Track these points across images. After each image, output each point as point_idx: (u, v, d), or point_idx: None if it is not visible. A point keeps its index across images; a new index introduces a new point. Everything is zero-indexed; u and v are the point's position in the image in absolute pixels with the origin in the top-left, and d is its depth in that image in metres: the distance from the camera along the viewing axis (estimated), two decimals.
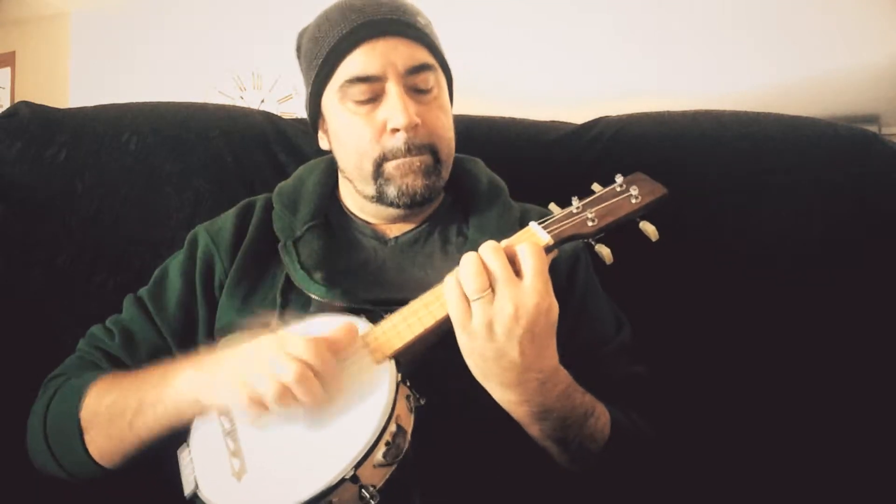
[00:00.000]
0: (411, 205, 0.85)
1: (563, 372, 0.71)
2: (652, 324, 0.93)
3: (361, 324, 0.72)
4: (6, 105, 3.35)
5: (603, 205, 0.71)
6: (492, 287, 0.64)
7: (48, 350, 0.92)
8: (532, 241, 0.68)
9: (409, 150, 0.82)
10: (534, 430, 0.73)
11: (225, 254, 0.89)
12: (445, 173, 0.88)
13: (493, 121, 1.25)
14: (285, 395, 0.64)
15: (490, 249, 0.66)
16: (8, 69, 3.47)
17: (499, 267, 0.64)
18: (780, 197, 1.11)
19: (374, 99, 0.83)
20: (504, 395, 0.69)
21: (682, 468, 0.86)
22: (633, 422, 0.80)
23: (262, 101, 3.70)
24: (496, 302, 0.64)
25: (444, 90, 0.89)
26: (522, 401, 0.69)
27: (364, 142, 0.84)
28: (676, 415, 0.84)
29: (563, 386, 0.71)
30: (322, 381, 0.65)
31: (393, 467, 0.63)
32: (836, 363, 1.04)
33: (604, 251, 0.70)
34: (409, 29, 0.84)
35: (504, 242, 0.68)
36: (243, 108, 1.31)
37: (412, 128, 0.82)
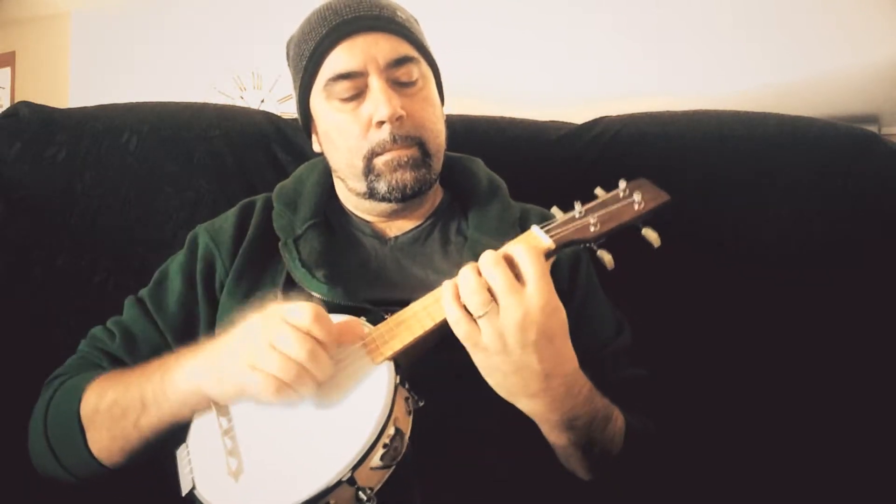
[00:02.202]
0: (402, 198, 0.85)
1: (583, 375, 0.70)
2: (651, 324, 0.93)
3: (362, 325, 0.72)
4: (6, 105, 3.35)
5: (605, 210, 0.71)
6: (494, 299, 0.62)
7: (48, 350, 0.92)
8: (531, 244, 0.68)
9: (396, 140, 0.82)
10: (562, 439, 0.71)
11: (225, 253, 0.89)
12: (436, 165, 0.88)
13: (493, 121, 1.25)
14: (302, 374, 0.63)
15: (488, 261, 0.64)
16: (8, 69, 3.47)
17: (499, 276, 0.62)
18: (780, 197, 1.11)
19: (359, 95, 0.84)
20: (534, 406, 0.68)
21: (683, 470, 0.86)
22: (643, 424, 0.80)
23: (262, 101, 3.70)
24: (502, 312, 0.62)
25: (429, 82, 0.89)
26: (553, 409, 0.68)
27: (352, 139, 0.84)
28: (678, 416, 0.84)
29: (586, 389, 0.70)
30: (329, 353, 0.65)
31: (390, 469, 0.63)
32: (837, 363, 1.04)
33: (605, 257, 0.70)
34: (389, 24, 0.85)
35: (503, 248, 0.67)
36: (243, 108, 1.31)
37: (397, 119, 0.82)
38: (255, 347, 0.65)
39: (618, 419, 0.75)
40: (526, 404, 0.68)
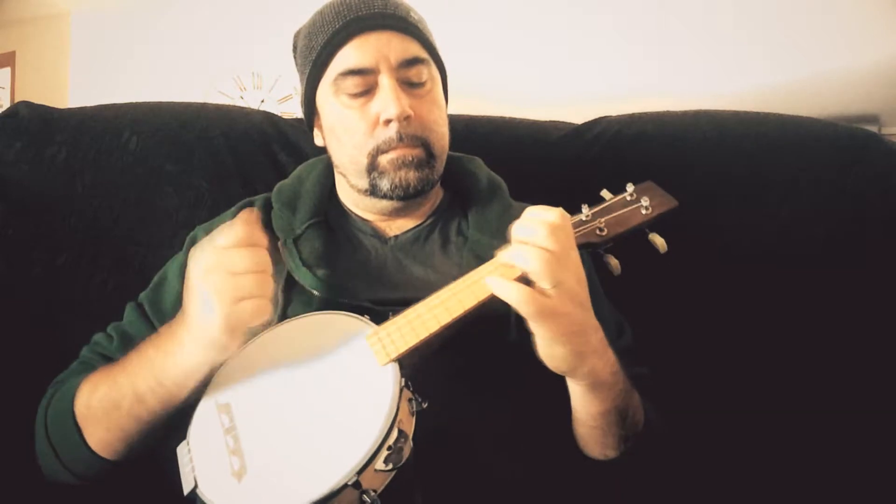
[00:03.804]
0: (404, 197, 0.85)
1: None
2: (651, 324, 0.93)
3: (366, 325, 0.71)
4: (6, 105, 3.35)
5: (613, 214, 0.71)
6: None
7: (48, 350, 0.92)
8: (557, 210, 0.67)
9: (402, 139, 0.83)
10: (608, 401, 0.71)
11: None
12: (439, 167, 0.88)
13: (494, 121, 1.25)
14: (262, 280, 0.65)
15: (547, 232, 0.63)
16: (8, 69, 3.46)
17: (559, 242, 0.63)
18: (780, 197, 1.11)
19: (368, 92, 0.84)
20: (594, 364, 0.68)
21: (685, 468, 0.86)
22: (653, 411, 0.80)
23: (262, 101, 3.69)
24: (568, 273, 0.64)
25: (437, 84, 0.89)
26: (605, 363, 0.69)
27: (358, 135, 0.84)
28: (679, 415, 0.84)
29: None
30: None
31: (394, 472, 0.63)
32: (837, 363, 1.03)
33: (612, 262, 0.69)
34: (402, 23, 0.85)
35: (532, 215, 0.66)
36: (243, 108, 1.31)
37: (404, 119, 0.82)
38: (214, 286, 0.65)
39: (636, 392, 0.77)
40: (588, 365, 0.68)
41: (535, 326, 0.65)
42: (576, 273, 0.65)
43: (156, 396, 0.72)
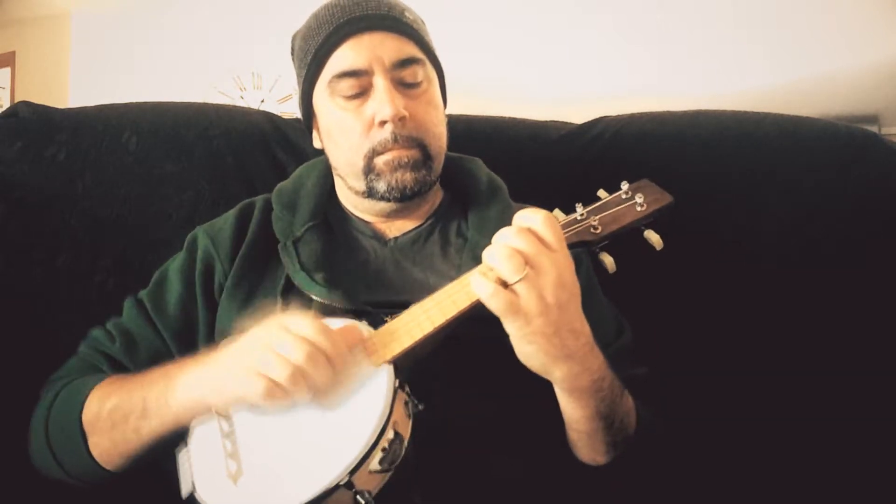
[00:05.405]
0: (401, 199, 0.85)
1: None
2: (650, 324, 0.93)
3: (362, 327, 0.71)
4: (6, 105, 3.35)
5: (607, 212, 0.71)
6: (528, 262, 0.63)
7: (48, 350, 0.92)
8: (541, 212, 0.67)
9: (397, 140, 0.82)
10: (590, 407, 0.70)
11: (224, 256, 0.89)
12: (437, 167, 0.88)
13: (494, 121, 1.25)
14: (297, 376, 0.63)
15: (513, 230, 0.64)
16: (8, 69, 3.46)
17: (530, 240, 0.63)
18: (780, 197, 1.11)
19: (363, 94, 0.84)
20: (569, 369, 0.67)
21: (685, 469, 0.86)
22: (651, 414, 0.80)
23: (262, 101, 3.70)
24: (539, 272, 0.63)
25: (433, 85, 0.89)
26: (584, 369, 0.68)
27: (354, 137, 0.84)
28: (679, 416, 0.83)
29: (598, 349, 0.70)
30: (329, 361, 0.65)
31: (389, 473, 0.63)
32: (837, 364, 1.03)
33: (607, 260, 0.69)
34: (396, 23, 0.85)
35: (516, 221, 0.66)
36: (243, 108, 1.31)
37: (399, 120, 0.82)
38: (254, 352, 0.65)
39: (628, 397, 0.76)
40: (562, 369, 0.67)
41: (504, 323, 0.64)
42: (556, 275, 0.63)
43: (160, 416, 0.73)
